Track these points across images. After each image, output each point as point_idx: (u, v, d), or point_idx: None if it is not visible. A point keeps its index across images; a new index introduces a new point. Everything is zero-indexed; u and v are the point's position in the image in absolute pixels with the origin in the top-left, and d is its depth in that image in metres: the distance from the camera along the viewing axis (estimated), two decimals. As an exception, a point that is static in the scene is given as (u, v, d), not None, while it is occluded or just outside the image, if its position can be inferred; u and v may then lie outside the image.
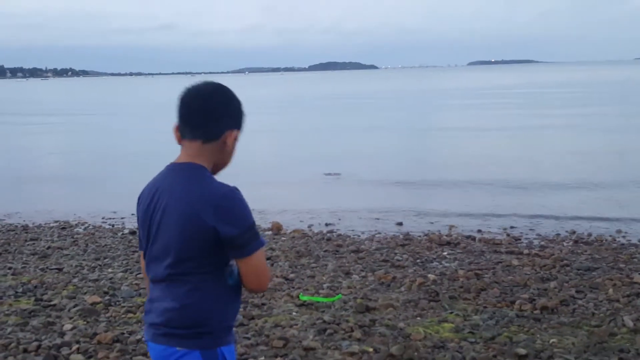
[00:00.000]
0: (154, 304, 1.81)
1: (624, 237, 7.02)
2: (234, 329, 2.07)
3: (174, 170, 1.79)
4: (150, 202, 1.79)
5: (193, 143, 1.78)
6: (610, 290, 4.76)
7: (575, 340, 3.79)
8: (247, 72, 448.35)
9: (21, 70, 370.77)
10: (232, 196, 1.71)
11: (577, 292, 4.78)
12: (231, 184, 1.74)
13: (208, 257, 1.73)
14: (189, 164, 1.77)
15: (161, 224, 1.75)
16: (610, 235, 7.07)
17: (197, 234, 1.69)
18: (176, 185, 1.75)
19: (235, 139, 1.83)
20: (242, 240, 1.70)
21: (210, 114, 1.78)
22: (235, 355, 1.87)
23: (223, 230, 1.68)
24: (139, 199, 1.86)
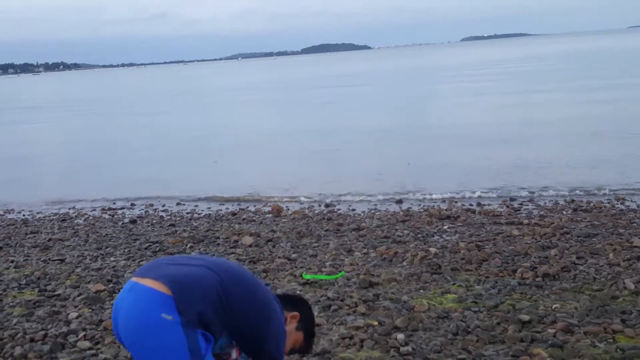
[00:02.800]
0: None
1: (622, 203, 7.05)
2: None
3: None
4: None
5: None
6: (611, 255, 4.80)
7: (577, 305, 3.83)
8: (240, 58, 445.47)
9: (12, 66, 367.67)
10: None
11: (577, 258, 4.81)
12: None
13: None
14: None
15: None
16: (608, 202, 7.09)
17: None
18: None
19: (291, 322, 2.59)
20: None
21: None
22: None
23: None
24: None
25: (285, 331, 2.43)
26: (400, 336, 3.52)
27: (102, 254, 5.87)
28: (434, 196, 8.14)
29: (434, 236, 5.88)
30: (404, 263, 4.97)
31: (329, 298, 4.19)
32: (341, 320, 3.83)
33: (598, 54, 51.29)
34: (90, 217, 8.03)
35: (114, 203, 8.96)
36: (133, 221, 7.48)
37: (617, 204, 7.02)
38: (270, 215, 7.37)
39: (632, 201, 7.11)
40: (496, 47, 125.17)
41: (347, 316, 3.88)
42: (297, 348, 2.60)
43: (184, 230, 6.70)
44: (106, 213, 8.31)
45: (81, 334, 3.82)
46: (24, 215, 8.52)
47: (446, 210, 7.07)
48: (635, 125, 13.04)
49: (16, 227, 7.56)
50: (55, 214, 8.41)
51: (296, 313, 2.55)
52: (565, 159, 10.03)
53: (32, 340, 3.77)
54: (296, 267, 5.01)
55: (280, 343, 2.39)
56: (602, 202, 7.07)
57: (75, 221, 7.82)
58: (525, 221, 6.23)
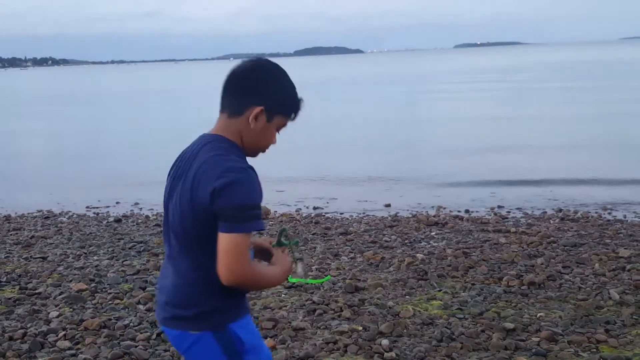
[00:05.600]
0: (163, 281, 1.80)
1: (609, 213, 7.09)
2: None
3: (201, 140, 1.76)
4: (174, 172, 1.78)
5: (221, 115, 1.77)
6: (597, 265, 4.81)
7: (562, 314, 3.83)
8: (231, 59, 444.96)
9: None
10: (236, 171, 1.64)
11: (563, 267, 4.82)
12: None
13: (213, 232, 1.64)
14: (214, 136, 1.74)
15: (176, 197, 1.72)
16: (596, 212, 7.13)
17: (202, 209, 1.64)
18: (196, 157, 1.71)
19: (259, 118, 1.72)
20: (228, 215, 1.61)
21: (238, 87, 1.74)
22: (251, 324, 1.80)
23: (215, 203, 1.61)
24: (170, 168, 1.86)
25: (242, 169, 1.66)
26: (385, 342, 3.49)
27: (85, 253, 5.79)
28: (422, 202, 8.13)
29: (421, 242, 5.87)
30: (391, 268, 4.95)
31: (314, 302, 4.16)
32: (326, 324, 3.79)
33: (590, 65, 51.73)
34: (75, 215, 7.93)
35: (99, 201, 8.86)
36: (118, 220, 7.40)
37: (604, 214, 7.06)
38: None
39: (618, 212, 7.15)
40: (488, 56, 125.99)
41: (331, 321, 3.85)
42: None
43: (169, 230, 6.62)
44: (90, 211, 8.21)
45: (61, 334, 3.75)
46: (6, 211, 8.40)
47: (434, 216, 7.07)
48: (623, 137, 13.16)
49: (-1, 224, 7.44)
50: (39, 211, 8.30)
51: (260, 107, 1.72)
52: (555, 169, 10.07)
53: (11, 338, 3.70)
54: (282, 270, 4.97)
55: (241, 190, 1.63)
56: (590, 212, 7.10)
57: (59, 219, 7.72)
58: (513, 229, 6.24)
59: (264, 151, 1.82)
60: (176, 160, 1.81)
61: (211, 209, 1.63)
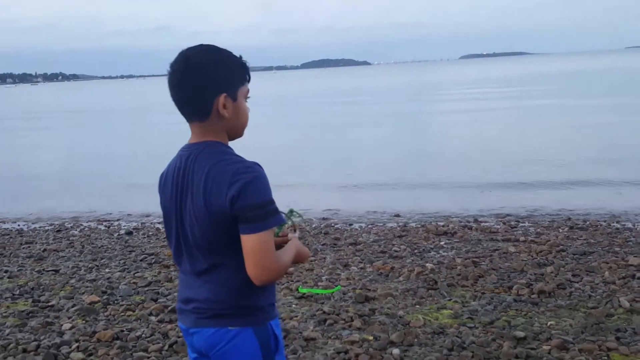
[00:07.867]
0: (194, 291, 1.73)
1: (618, 222, 7.07)
2: None
3: (190, 151, 1.70)
4: (174, 189, 1.72)
5: (192, 125, 1.72)
6: (606, 273, 4.80)
7: (572, 322, 3.83)
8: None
9: (10, 75, 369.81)
10: (245, 171, 1.61)
11: (573, 275, 4.82)
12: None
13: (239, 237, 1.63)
14: (203, 144, 1.70)
15: (190, 213, 1.67)
16: (605, 221, 7.11)
17: (222, 218, 1.62)
18: (194, 169, 1.67)
19: (227, 104, 1.67)
20: (249, 215, 1.59)
21: (190, 92, 1.67)
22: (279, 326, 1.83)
23: (234, 207, 1.59)
24: (160, 185, 1.79)
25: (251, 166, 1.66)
26: (396, 351, 3.51)
27: (97, 265, 5.85)
28: (431, 211, 8.15)
29: (430, 252, 5.88)
30: (401, 278, 4.96)
31: (324, 312, 4.18)
32: (336, 334, 3.81)
33: (597, 74, 51.61)
34: (86, 228, 8.01)
35: (110, 214, 8.94)
36: (129, 232, 7.46)
37: (613, 222, 7.05)
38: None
39: (628, 220, 7.13)
40: (495, 66, 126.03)
41: (342, 330, 3.87)
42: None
43: (180, 242, 6.67)
44: (102, 224, 8.28)
45: (74, 345, 3.79)
46: (18, 225, 8.50)
47: (443, 226, 7.08)
48: (631, 145, 13.11)
49: (11, 237, 7.53)
50: (51, 224, 8.39)
51: (222, 95, 1.68)
52: (563, 178, 10.05)
53: (24, 351, 3.74)
54: (292, 281, 5.00)
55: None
56: (598, 221, 7.09)
57: (71, 232, 7.80)
58: (522, 238, 6.24)
59: (245, 126, 1.78)
60: (164, 177, 1.77)
61: (231, 214, 1.61)
